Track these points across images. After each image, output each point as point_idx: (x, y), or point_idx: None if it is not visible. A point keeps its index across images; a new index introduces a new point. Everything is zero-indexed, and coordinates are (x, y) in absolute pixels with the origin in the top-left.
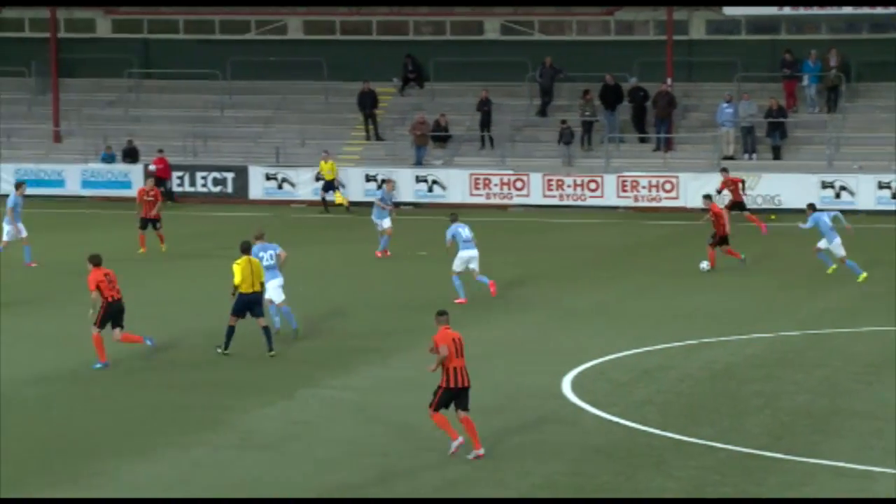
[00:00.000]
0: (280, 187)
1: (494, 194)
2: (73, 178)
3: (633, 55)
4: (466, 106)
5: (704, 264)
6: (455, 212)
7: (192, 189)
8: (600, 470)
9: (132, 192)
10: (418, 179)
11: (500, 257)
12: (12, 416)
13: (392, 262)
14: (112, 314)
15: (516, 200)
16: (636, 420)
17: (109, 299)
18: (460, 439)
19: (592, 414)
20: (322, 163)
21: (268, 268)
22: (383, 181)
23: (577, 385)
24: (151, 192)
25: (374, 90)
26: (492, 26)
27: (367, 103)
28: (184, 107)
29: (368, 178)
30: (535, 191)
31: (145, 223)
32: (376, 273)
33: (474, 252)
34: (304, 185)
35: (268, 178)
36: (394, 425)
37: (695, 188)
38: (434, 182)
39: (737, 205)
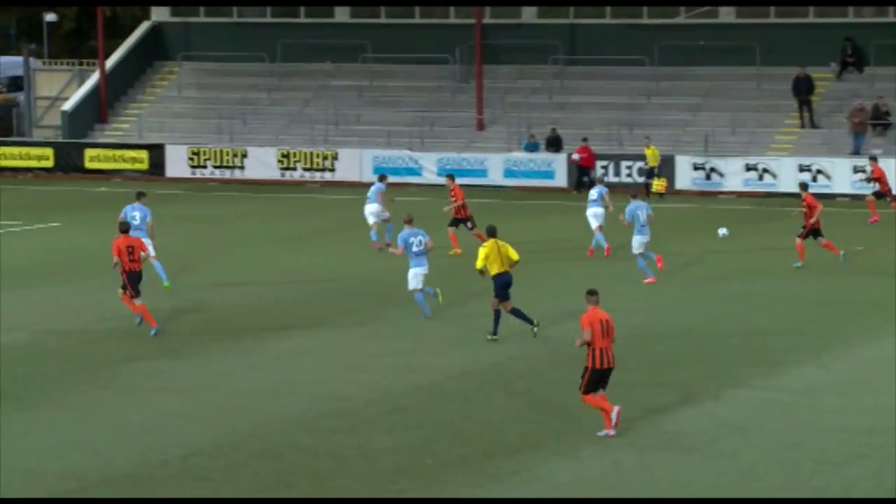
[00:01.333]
0: (708, 178)
1: None
2: (496, 167)
3: None
4: None
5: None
6: (637, 191)
7: (616, 179)
8: None
9: (555, 183)
10: (856, 170)
11: None
12: (439, 408)
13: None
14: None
15: None
16: None
17: (128, 269)
18: (617, 408)
19: None
20: (646, 149)
21: (417, 254)
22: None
23: None
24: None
25: (810, 75)
26: None
27: (803, 89)
28: (609, 94)
29: (802, 169)
30: None
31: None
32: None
33: (645, 237)
34: (734, 176)
35: (695, 167)
36: (828, 430)
37: None
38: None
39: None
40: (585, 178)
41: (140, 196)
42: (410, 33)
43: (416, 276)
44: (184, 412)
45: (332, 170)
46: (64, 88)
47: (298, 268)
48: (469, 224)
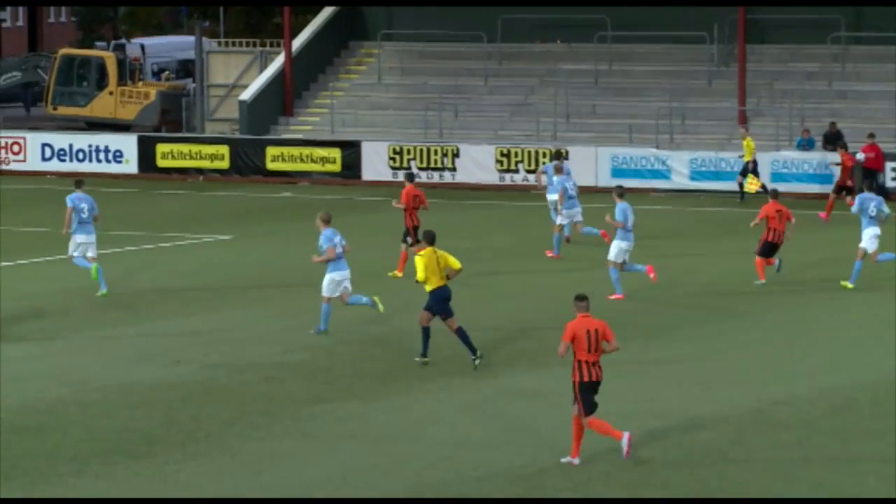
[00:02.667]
0: None
1: None
2: (761, 169)
3: None
4: None
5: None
6: (623, 189)
7: None
8: None
9: (825, 189)
10: None
11: None
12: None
13: None
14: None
15: None
16: None
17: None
18: (627, 434)
19: None
20: (742, 141)
21: (338, 256)
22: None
23: None
24: None
25: None
26: None
27: None
28: None
29: None
30: None
31: None
32: None
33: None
34: None
35: None
36: None
37: None
38: None
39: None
40: (873, 183)
41: (79, 184)
42: (658, 7)
43: (332, 283)
44: (379, 464)
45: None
46: (242, 74)
47: (526, 289)
48: (409, 239)
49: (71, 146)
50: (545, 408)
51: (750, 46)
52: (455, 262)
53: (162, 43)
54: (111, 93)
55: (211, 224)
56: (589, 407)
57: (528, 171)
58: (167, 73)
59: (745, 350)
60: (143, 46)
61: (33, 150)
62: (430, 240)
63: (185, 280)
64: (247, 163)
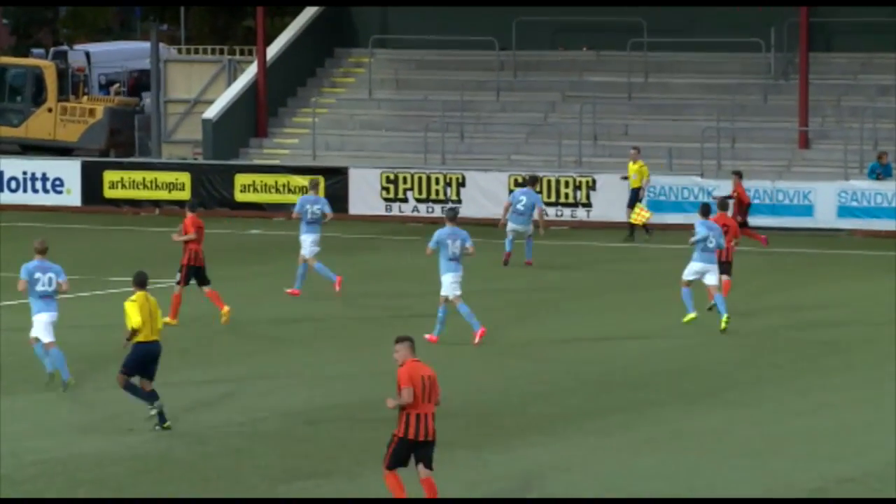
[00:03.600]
0: None
1: None
2: (826, 201)
3: None
4: None
5: None
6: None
7: None
8: None
9: None
10: None
11: None
12: None
13: None
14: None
15: None
16: None
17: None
18: None
19: None
20: (630, 163)
21: (42, 295)
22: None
23: None
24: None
25: None
26: None
27: None
28: None
29: None
30: None
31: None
32: None
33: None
34: None
35: None
36: None
37: None
38: None
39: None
40: None
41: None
42: (704, 7)
43: (40, 325)
44: None
45: (588, 205)
46: (207, 88)
47: (548, 346)
48: (179, 279)
49: (1, 174)
50: (565, 484)
51: (813, 55)
52: (161, 318)
53: (111, 50)
54: (50, 109)
55: (168, 266)
56: (395, 462)
57: (548, 204)
58: (117, 85)
59: (807, 416)
60: (88, 54)
61: None
62: (141, 283)
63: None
64: (211, 193)
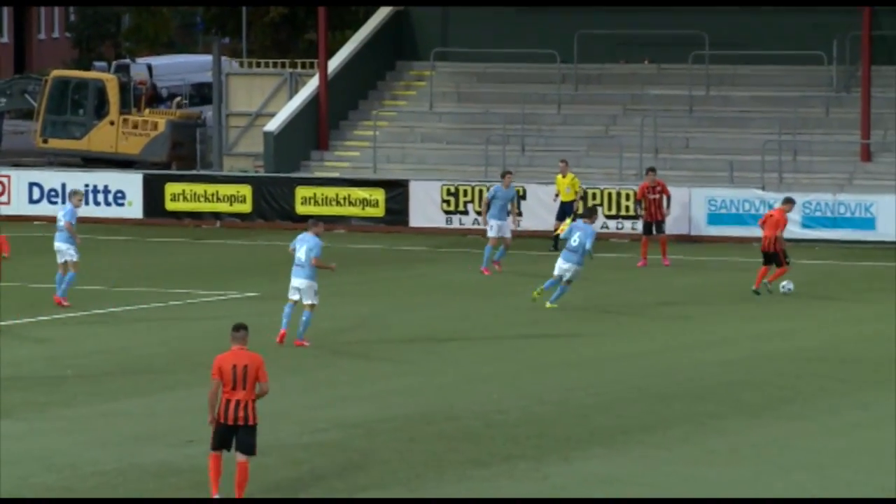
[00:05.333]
0: None
1: None
2: (888, 213)
3: None
4: None
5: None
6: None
7: None
8: None
9: None
10: None
11: None
12: None
13: None
14: None
15: None
16: None
17: None
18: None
19: None
20: (558, 177)
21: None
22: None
23: None
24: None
25: None
26: None
27: None
28: None
29: None
30: None
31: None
32: None
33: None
34: None
35: None
36: None
37: None
38: None
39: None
40: None
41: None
42: (766, 20)
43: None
44: None
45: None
46: (268, 101)
47: (604, 357)
48: None
49: (64, 186)
50: (626, 497)
51: (876, 68)
52: None
53: (173, 63)
54: (112, 122)
55: (230, 279)
56: (215, 444)
57: (609, 217)
58: (179, 98)
59: (868, 428)
60: (150, 67)
61: (19, 190)
62: None
63: (199, 345)
64: (272, 206)
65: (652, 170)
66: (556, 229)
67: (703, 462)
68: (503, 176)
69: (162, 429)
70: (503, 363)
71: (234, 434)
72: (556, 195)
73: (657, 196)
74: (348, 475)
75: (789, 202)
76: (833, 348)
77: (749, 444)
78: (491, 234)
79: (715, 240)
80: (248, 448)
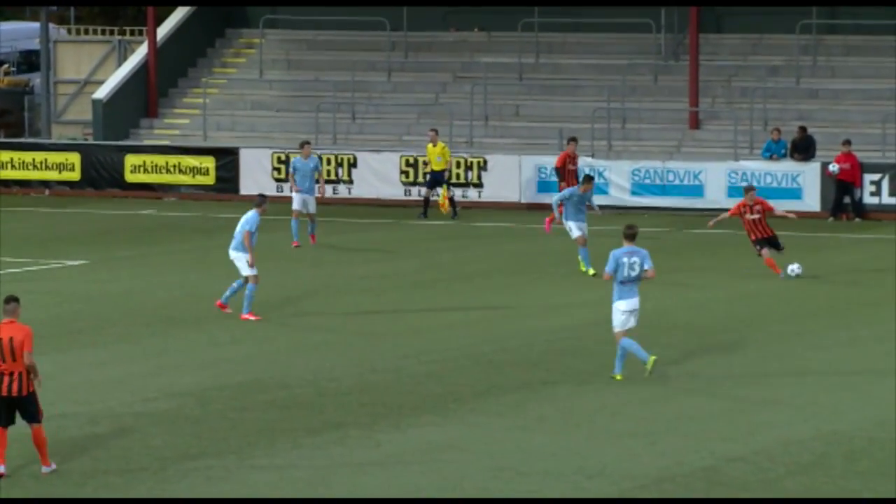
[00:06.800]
0: None
1: None
2: (716, 182)
3: None
4: None
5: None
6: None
7: (892, 201)
8: None
9: (804, 205)
10: None
11: None
12: None
13: None
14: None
15: None
16: None
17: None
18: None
19: None
20: (429, 146)
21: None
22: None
23: None
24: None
25: None
26: None
27: None
28: (882, 77)
29: None
30: None
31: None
32: None
33: None
34: None
35: None
36: None
37: None
38: None
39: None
40: (847, 199)
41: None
42: None
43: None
44: None
45: (479, 185)
46: (97, 68)
47: (432, 324)
48: None
49: None
50: (459, 463)
51: (704, 36)
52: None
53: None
54: None
55: (59, 247)
56: (4, 420)
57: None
58: (6, 66)
59: (698, 395)
60: None
61: None
62: None
63: (28, 314)
64: (102, 174)
65: (751, 188)
66: (426, 198)
67: (536, 428)
68: (301, 147)
69: None
70: (335, 333)
71: (15, 407)
72: (426, 164)
73: (757, 216)
74: (179, 444)
75: (750, 189)
76: (662, 315)
77: (580, 410)
78: (294, 206)
79: (544, 207)
80: (33, 416)
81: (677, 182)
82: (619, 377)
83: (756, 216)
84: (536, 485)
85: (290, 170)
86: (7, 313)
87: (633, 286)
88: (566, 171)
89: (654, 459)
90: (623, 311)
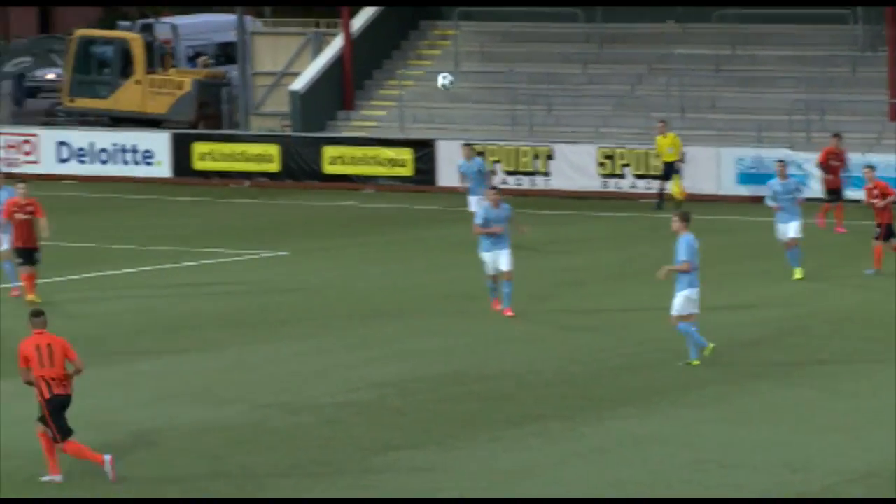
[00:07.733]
0: None
1: None
2: None
3: None
4: None
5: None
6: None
7: None
8: None
9: None
10: None
11: None
12: None
13: None
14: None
15: None
16: None
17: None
18: (108, 457)
19: None
20: (659, 137)
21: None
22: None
23: None
24: None
25: None
26: None
27: None
28: None
29: None
30: None
31: None
32: None
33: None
34: None
35: None
36: None
37: None
38: None
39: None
40: None
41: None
42: None
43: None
44: None
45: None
46: (293, 60)
47: (633, 317)
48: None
49: (92, 145)
50: (661, 456)
51: None
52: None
53: (197, 23)
54: (138, 82)
55: (259, 238)
56: (62, 431)
57: (637, 177)
58: (204, 58)
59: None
60: (174, 27)
61: (47, 149)
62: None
63: (228, 304)
64: (301, 165)
65: (837, 135)
66: (661, 190)
67: (738, 421)
68: (465, 148)
69: (195, 388)
70: (534, 324)
71: (65, 407)
72: (658, 156)
73: (839, 163)
74: (382, 435)
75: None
76: (867, 309)
77: (783, 404)
78: (470, 208)
79: (743, 199)
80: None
81: (878, 174)
82: (696, 362)
83: (838, 163)
84: (741, 478)
85: (461, 171)
86: (37, 325)
87: (697, 273)
88: (830, 167)
89: (861, 454)
90: (692, 298)
